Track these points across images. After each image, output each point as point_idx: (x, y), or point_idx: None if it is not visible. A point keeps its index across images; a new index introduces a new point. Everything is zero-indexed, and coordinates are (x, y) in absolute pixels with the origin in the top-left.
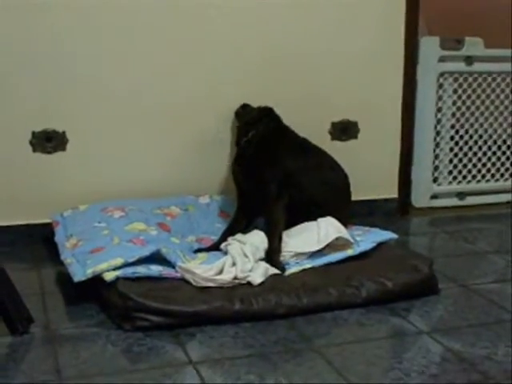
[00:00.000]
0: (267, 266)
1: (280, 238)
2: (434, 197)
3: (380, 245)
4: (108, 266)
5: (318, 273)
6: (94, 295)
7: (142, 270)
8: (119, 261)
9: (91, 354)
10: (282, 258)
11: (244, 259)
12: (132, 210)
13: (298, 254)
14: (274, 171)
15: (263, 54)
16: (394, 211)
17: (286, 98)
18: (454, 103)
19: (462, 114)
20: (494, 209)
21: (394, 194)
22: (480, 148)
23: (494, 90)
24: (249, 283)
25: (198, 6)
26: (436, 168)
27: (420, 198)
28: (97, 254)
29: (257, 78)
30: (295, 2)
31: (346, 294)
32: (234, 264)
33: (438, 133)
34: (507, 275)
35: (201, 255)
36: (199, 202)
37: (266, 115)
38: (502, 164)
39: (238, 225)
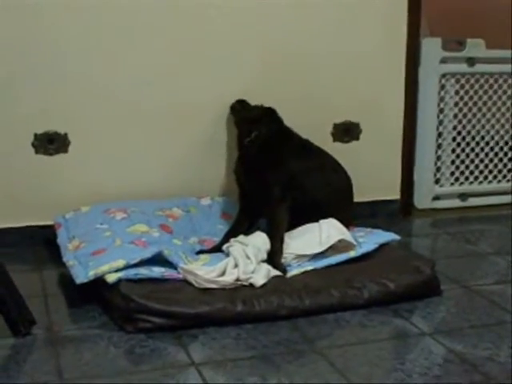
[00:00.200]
0: (269, 267)
1: (282, 240)
2: (436, 198)
3: (382, 246)
4: (110, 267)
5: (320, 274)
6: (96, 297)
7: (144, 272)
8: (121, 263)
9: (93, 355)
10: (283, 260)
11: (246, 261)
12: (134, 212)
13: (299, 256)
14: (277, 173)
15: (264, 55)
16: (396, 212)
17: (288, 99)
18: (456, 104)
19: (464, 116)
20: (496, 210)
21: (396, 196)
22: (482, 149)
23: (495, 91)
24: (251, 285)
25: (198, 6)
26: (438, 169)
27: (422, 199)
28: (98, 255)
29: (258, 79)
30: (296, 2)
31: (348, 295)
32: (236, 265)
33: (439, 134)
34: (509, 276)
35: (203, 257)
36: (201, 204)
37: (270, 116)
38: (504, 165)
39: (241, 226)
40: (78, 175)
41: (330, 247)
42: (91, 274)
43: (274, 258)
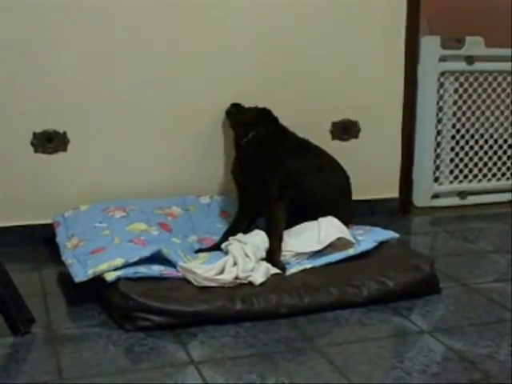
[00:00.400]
0: (268, 265)
1: (280, 239)
2: (435, 196)
3: (381, 244)
4: (108, 266)
5: (319, 272)
6: (95, 295)
7: (143, 270)
8: (119, 261)
9: (93, 354)
10: (282, 258)
11: (245, 259)
12: (133, 210)
13: (298, 254)
14: (274, 172)
15: (263, 55)
16: (396, 211)
17: (287, 98)
18: (455, 102)
19: (463, 114)
20: (495, 208)
21: (395, 194)
22: (481, 147)
23: (494, 90)
24: (250, 283)
25: (198, 6)
26: (437, 167)
27: (421, 197)
28: (97, 254)
29: (257, 78)
30: (295, 2)
31: (347, 293)
32: (235, 264)
33: (438, 132)
34: (508, 274)
35: (202, 255)
36: (200, 202)
37: (265, 116)
38: (503, 163)
39: (239, 225)
40: (77, 174)
41: (329, 245)
42: (90, 272)
43: (272, 256)
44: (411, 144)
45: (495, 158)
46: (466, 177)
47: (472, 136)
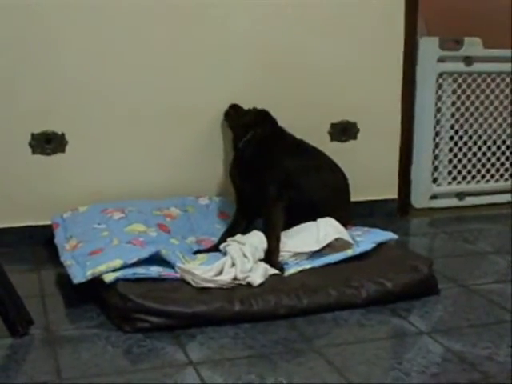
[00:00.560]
0: (267, 266)
1: (278, 239)
2: (434, 197)
3: (380, 245)
4: (107, 267)
5: (318, 273)
6: (93, 297)
7: (141, 271)
8: (118, 262)
9: (91, 355)
10: (280, 259)
11: (243, 260)
12: (131, 212)
13: (296, 254)
14: (272, 173)
15: (263, 56)
16: (394, 212)
17: (286, 99)
18: (454, 103)
19: (462, 115)
20: (494, 209)
21: (394, 195)
22: (479, 148)
23: (493, 91)
24: (248, 284)
25: (198, 6)
26: (435, 168)
27: (420, 198)
28: (96, 255)
29: (257, 79)
30: (294, 2)
31: (345, 294)
32: (233, 265)
33: (437, 133)
34: (507, 275)
35: (200, 256)
36: (199, 203)
37: (263, 118)
38: (502, 164)
39: (238, 227)
40: (76, 175)
41: (328, 246)
42: (89, 273)
43: (270, 256)
44: (410, 145)
45: (493, 159)
46: (464, 178)
47: (470, 137)
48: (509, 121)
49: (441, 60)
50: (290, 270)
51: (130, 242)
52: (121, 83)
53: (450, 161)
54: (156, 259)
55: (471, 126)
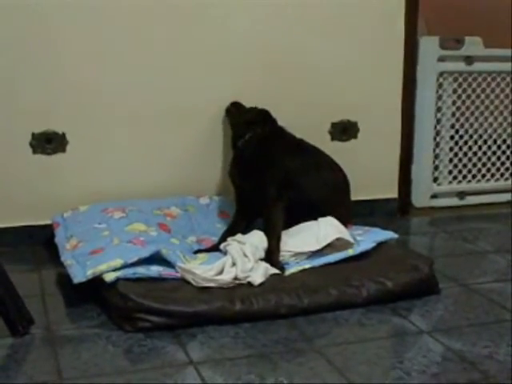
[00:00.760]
0: (267, 266)
1: (279, 239)
2: (434, 196)
3: (380, 244)
4: (107, 267)
5: (319, 273)
6: (94, 296)
7: (142, 271)
8: (118, 262)
9: (92, 354)
10: (281, 258)
11: (244, 259)
12: (132, 211)
13: (297, 254)
14: (272, 172)
15: (263, 55)
16: (395, 211)
17: (286, 99)
18: (454, 103)
19: (462, 114)
20: (494, 208)
21: (394, 194)
22: (480, 147)
23: (493, 90)
24: (249, 283)
25: (198, 6)
26: (436, 168)
27: (420, 197)
28: (96, 255)
29: (256, 79)
30: (293, 2)
31: (346, 293)
32: (234, 264)
33: (437, 132)
34: (508, 275)
35: (201, 256)
36: (199, 203)
37: (263, 117)
38: (502, 163)
39: (238, 226)
40: (76, 175)
41: (328, 245)
42: (89, 273)
43: (271, 256)
44: (410, 144)
45: (494, 159)
46: (464, 177)
47: (471, 136)
48: (509, 120)
49: (441, 59)
50: (291, 270)
51: (131, 241)
52: (121, 83)
53: (451, 160)
54: (156, 259)
55: (472, 125)
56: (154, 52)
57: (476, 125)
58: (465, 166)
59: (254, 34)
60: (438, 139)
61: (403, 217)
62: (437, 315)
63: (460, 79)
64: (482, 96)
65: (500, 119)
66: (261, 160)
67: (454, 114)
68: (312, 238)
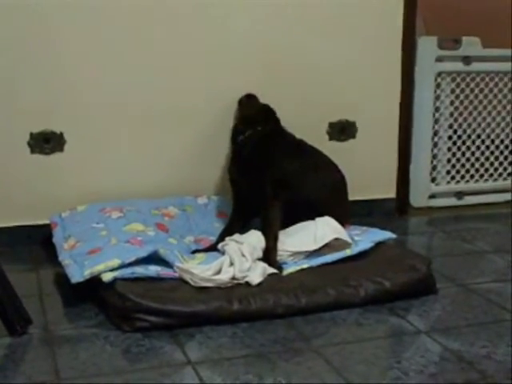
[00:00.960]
0: (265, 265)
1: (276, 238)
2: (432, 196)
3: (378, 244)
4: (105, 267)
5: (317, 273)
6: (92, 296)
7: (139, 271)
8: (116, 262)
9: (90, 354)
10: (279, 258)
11: (242, 259)
12: (130, 211)
13: (294, 254)
14: (270, 172)
15: (261, 55)
16: (393, 211)
17: (284, 98)
18: (452, 103)
19: (460, 114)
20: (493, 208)
21: (392, 194)
22: (478, 147)
23: (491, 90)
24: (247, 283)
25: (197, 6)
26: (434, 168)
27: (418, 197)
28: (94, 255)
29: (254, 78)
30: (292, 2)
31: (344, 293)
32: (231, 264)
33: (435, 132)
34: (506, 275)
35: (199, 255)
36: (197, 203)
37: (265, 115)
38: (500, 163)
39: (235, 226)
40: (74, 174)
41: (326, 245)
42: (87, 273)
43: (268, 255)
44: (408, 144)
45: (492, 159)
46: (462, 177)
47: (469, 136)
48: (507, 120)
49: (439, 59)
50: (289, 270)
51: (129, 241)
52: (119, 83)
53: (449, 160)
54: (154, 258)
55: (470, 125)
56: (152, 52)
57: (474, 125)
58: (463, 166)
59: (253, 34)
60: (436, 139)
61: (401, 217)
62: (435, 315)
63: (458, 79)
64: (480, 96)
65: (498, 119)
66: (259, 159)
67: (452, 114)
68: (310, 237)
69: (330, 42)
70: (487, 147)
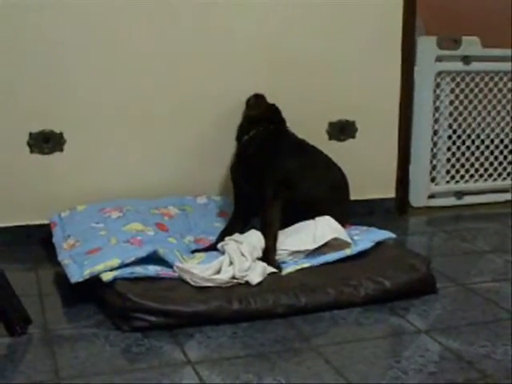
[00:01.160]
0: (265, 265)
1: (275, 238)
2: (432, 196)
3: (378, 244)
4: (104, 266)
5: (317, 272)
6: (91, 296)
7: (139, 271)
8: (115, 261)
9: (89, 354)
10: (278, 257)
11: (241, 258)
12: (129, 211)
13: (294, 253)
14: (272, 172)
15: (262, 55)
16: (392, 211)
17: (284, 98)
18: (452, 103)
19: (460, 114)
20: (492, 208)
21: (392, 194)
22: (477, 147)
23: (491, 90)
24: (247, 283)
25: (199, 6)
26: (434, 167)
27: (418, 197)
28: (94, 254)
29: (255, 78)
30: (293, 1)
31: (344, 293)
32: (231, 263)
33: (435, 132)
34: (505, 274)
35: (198, 255)
36: (197, 203)
37: (270, 116)
38: (500, 163)
39: (236, 225)
40: (74, 174)
41: (326, 245)
42: (86, 273)
43: (268, 255)
44: (408, 144)
45: (491, 159)
46: (462, 177)
47: (468, 136)
48: (506, 120)
49: (439, 59)
50: (288, 269)
51: (128, 241)
52: (119, 82)
53: (448, 160)
54: (154, 258)
55: (469, 125)
56: (151, 52)
57: (473, 125)
58: (462, 165)
59: (254, 34)
60: (435, 139)
61: (401, 216)
62: (434, 315)
63: (458, 79)
64: (480, 96)
65: (497, 119)
66: (261, 159)
67: (451, 114)
68: (309, 236)
69: (330, 42)
70: (487, 147)
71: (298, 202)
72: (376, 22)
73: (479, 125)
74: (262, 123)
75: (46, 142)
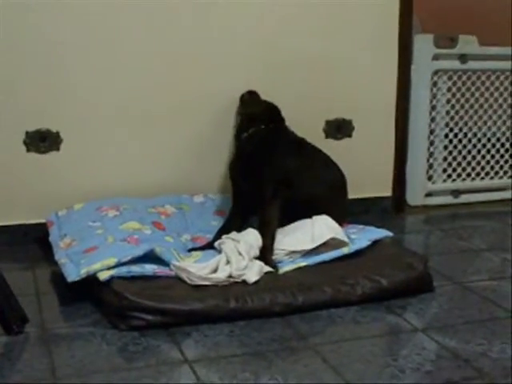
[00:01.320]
0: (262, 264)
1: (273, 237)
2: (429, 195)
3: (375, 243)
4: (101, 265)
5: (313, 271)
6: (88, 295)
7: (136, 269)
8: (112, 260)
9: (86, 353)
10: (275, 256)
11: (238, 257)
12: (126, 209)
13: (291, 252)
14: (270, 171)
15: (259, 53)
16: (389, 209)
17: (281, 96)
18: (448, 101)
19: (456, 112)
20: (489, 206)
21: (389, 192)
22: (474, 146)
23: (487, 88)
24: (244, 281)
25: (197, 5)
26: (430, 166)
27: (415, 195)
28: (90, 253)
29: (252, 76)
30: (290, 1)
31: (341, 291)
32: (228, 262)
33: (432, 131)
34: (502, 273)
35: (195, 254)
36: (194, 201)
37: (270, 113)
38: (496, 162)
39: (233, 224)
40: (70, 173)
41: (323, 244)
42: (83, 271)
43: (265, 254)
44: (405, 143)
45: (488, 157)
46: (459, 175)
47: (465, 135)
48: (503, 118)
49: (436, 58)
50: (285, 268)
51: (125, 239)
52: (116, 82)
53: (445, 158)
54: (151, 257)
55: (466, 123)
56: (150, 50)
57: (470, 123)
58: (459, 164)
59: (252, 32)
60: (432, 137)
61: (398, 215)
62: (431, 313)
63: (454, 77)
64: (477, 94)
65: (494, 117)
66: (260, 157)
67: (448, 113)
68: (307, 236)
69: (327, 40)
70: (483, 145)
71: (297, 201)
72: (372, 20)
73: (476, 123)
74: (261, 121)
75: (43, 141)
